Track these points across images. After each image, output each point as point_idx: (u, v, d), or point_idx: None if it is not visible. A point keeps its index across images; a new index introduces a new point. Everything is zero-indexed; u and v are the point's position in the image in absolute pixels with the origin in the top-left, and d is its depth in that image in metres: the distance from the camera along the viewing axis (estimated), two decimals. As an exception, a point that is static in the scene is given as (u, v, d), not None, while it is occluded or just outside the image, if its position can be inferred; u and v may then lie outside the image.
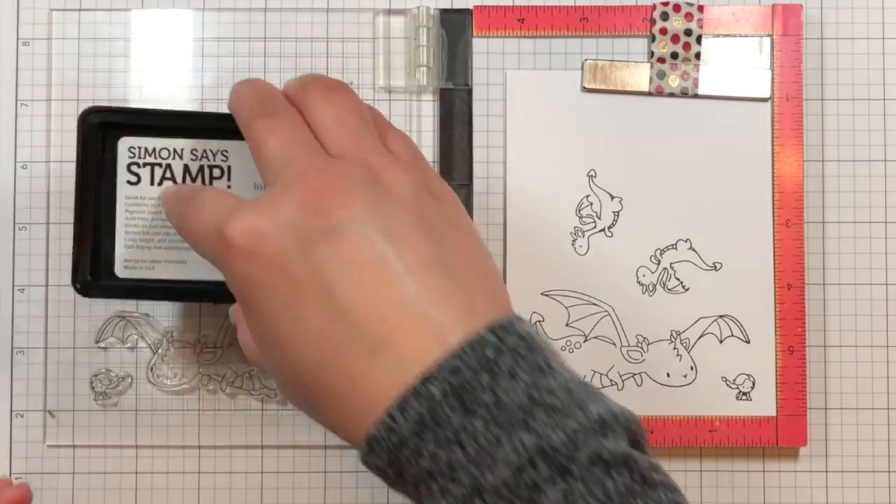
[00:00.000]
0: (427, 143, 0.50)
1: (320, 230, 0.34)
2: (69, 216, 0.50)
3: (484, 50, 0.50)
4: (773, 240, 0.49)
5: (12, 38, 0.50)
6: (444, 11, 0.50)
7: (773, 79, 0.49)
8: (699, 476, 0.50)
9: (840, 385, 0.50)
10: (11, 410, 0.50)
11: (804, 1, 0.50)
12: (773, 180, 0.49)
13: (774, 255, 0.49)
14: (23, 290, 0.50)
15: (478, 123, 0.50)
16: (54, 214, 0.50)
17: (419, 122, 0.50)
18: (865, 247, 0.50)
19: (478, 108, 0.50)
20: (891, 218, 0.50)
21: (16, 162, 0.50)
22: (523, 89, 0.50)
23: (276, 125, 0.37)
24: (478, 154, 0.50)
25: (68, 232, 0.50)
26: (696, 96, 0.50)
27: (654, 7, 0.50)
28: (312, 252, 0.34)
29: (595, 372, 0.49)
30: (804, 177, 0.49)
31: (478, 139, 0.50)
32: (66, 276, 0.50)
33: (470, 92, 0.50)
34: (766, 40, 0.50)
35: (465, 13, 0.50)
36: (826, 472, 0.50)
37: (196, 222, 0.37)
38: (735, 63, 0.50)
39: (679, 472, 0.50)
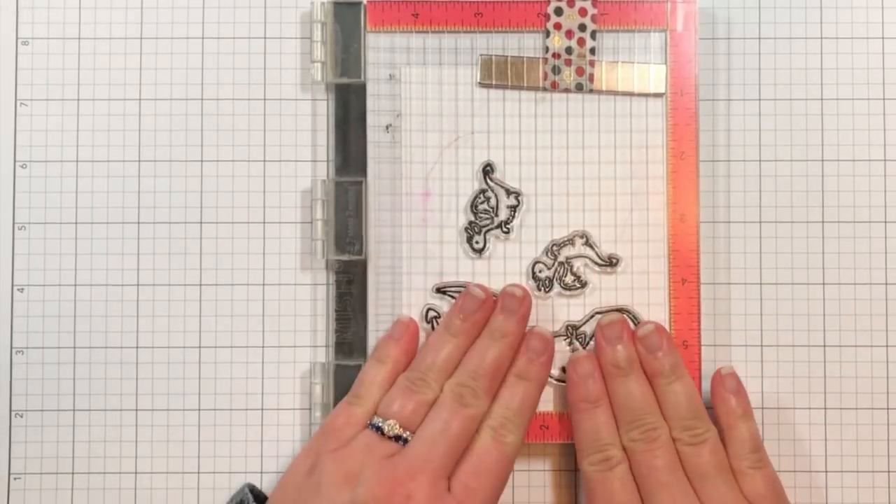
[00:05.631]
0: (321, 143, 0.50)
1: None
2: (68, 216, 0.50)
3: (378, 45, 0.50)
4: (668, 234, 0.49)
5: (12, 38, 0.51)
6: (337, 5, 0.50)
7: (668, 74, 0.49)
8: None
9: (840, 385, 0.50)
10: (11, 410, 0.50)
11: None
12: (667, 176, 0.49)
13: (669, 250, 0.49)
14: (22, 289, 0.50)
15: (372, 119, 0.50)
16: (53, 214, 0.50)
17: (314, 120, 0.50)
18: (865, 247, 0.50)
19: (372, 103, 0.49)
20: (890, 217, 0.50)
21: (15, 161, 0.50)
22: (418, 84, 0.50)
23: None
24: (372, 150, 0.49)
25: (68, 231, 0.50)
26: (591, 91, 0.50)
27: (548, 2, 0.49)
28: None
29: None
30: (698, 173, 0.49)
31: (372, 135, 0.49)
32: (66, 276, 0.50)
33: (364, 87, 0.50)
34: (662, 35, 0.50)
35: (359, 7, 0.50)
36: (826, 472, 0.50)
37: None
38: (630, 58, 0.49)
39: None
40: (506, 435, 0.46)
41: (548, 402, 0.49)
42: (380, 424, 0.45)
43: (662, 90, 0.49)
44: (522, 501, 0.50)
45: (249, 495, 0.47)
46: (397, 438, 0.45)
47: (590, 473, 0.46)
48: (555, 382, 0.49)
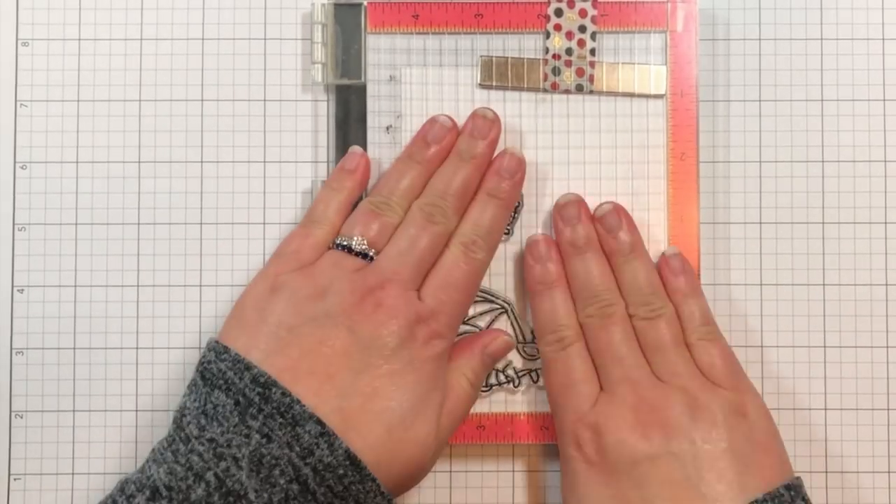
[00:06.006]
0: (321, 144, 0.50)
1: (645, 454, 0.43)
2: (68, 217, 0.50)
3: (378, 46, 0.50)
4: (668, 235, 0.49)
5: (12, 39, 0.51)
6: (337, 6, 0.49)
7: (668, 75, 0.49)
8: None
9: (840, 385, 0.50)
10: (11, 410, 0.50)
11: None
12: (667, 176, 0.49)
13: None
14: (22, 290, 0.50)
15: (372, 120, 0.50)
16: (53, 215, 0.50)
17: (314, 121, 0.50)
18: (865, 247, 0.50)
19: (372, 104, 0.50)
20: (890, 218, 0.50)
21: (15, 162, 0.50)
22: (418, 86, 0.50)
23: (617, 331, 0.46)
24: (372, 151, 0.49)
25: (68, 232, 0.50)
26: (591, 92, 0.50)
27: (548, 3, 0.50)
28: (637, 469, 0.43)
29: (492, 369, 0.49)
30: (698, 173, 0.49)
31: (372, 136, 0.50)
32: (66, 277, 0.50)
33: (364, 88, 0.50)
34: (662, 36, 0.50)
35: (359, 8, 0.50)
36: (826, 472, 0.50)
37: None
38: (631, 59, 0.49)
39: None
40: (476, 252, 0.46)
41: (547, 404, 0.49)
42: (345, 242, 0.46)
43: (663, 91, 0.49)
44: (521, 502, 0.50)
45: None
46: (364, 255, 0.45)
47: (547, 354, 0.47)
48: (555, 383, 0.49)
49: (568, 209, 0.48)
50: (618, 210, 0.48)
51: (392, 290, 0.44)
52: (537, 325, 0.48)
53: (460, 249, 0.46)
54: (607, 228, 0.48)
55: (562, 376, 0.46)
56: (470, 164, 0.47)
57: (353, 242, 0.46)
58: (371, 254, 0.46)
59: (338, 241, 0.46)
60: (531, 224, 0.49)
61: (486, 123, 0.48)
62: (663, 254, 0.48)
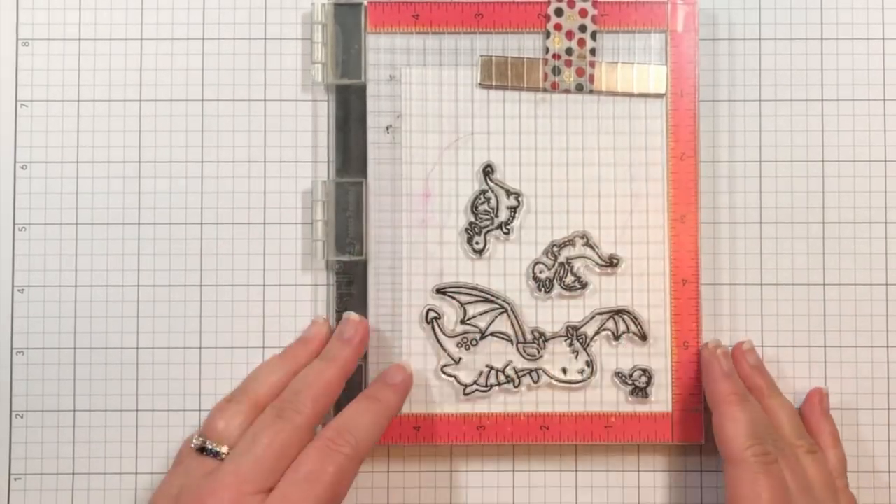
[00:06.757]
0: (321, 144, 0.50)
1: None
2: (69, 217, 0.50)
3: (378, 46, 0.50)
4: (668, 235, 0.49)
5: (12, 39, 0.51)
6: (337, 6, 0.49)
7: (668, 75, 0.49)
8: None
9: (840, 385, 0.50)
10: (11, 410, 0.50)
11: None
12: (667, 176, 0.49)
13: (669, 251, 0.49)
14: (22, 290, 0.50)
15: (372, 120, 0.50)
16: (54, 215, 0.50)
17: (314, 121, 0.50)
18: (865, 247, 0.50)
19: (372, 104, 0.49)
20: (890, 218, 0.50)
21: (15, 162, 0.50)
22: (418, 85, 0.50)
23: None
24: (372, 151, 0.49)
25: (68, 232, 0.50)
26: (591, 92, 0.50)
27: (548, 3, 0.50)
28: None
29: (491, 368, 0.49)
30: (699, 173, 0.49)
31: (372, 136, 0.49)
32: (66, 277, 0.50)
33: (364, 88, 0.50)
34: (662, 36, 0.50)
35: (359, 8, 0.50)
36: (826, 472, 0.50)
37: None
38: (631, 59, 0.49)
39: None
40: (342, 445, 0.43)
41: (547, 403, 0.49)
42: (197, 442, 0.45)
43: (663, 91, 0.49)
44: (521, 502, 0.50)
45: None
46: (215, 455, 0.45)
47: (754, 464, 0.44)
48: (555, 383, 0.49)
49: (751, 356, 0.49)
50: (755, 349, 0.49)
51: (223, 497, 0.42)
52: (738, 430, 0.45)
53: (323, 444, 0.43)
54: (752, 365, 0.48)
55: (779, 491, 0.44)
56: (331, 364, 0.47)
57: (207, 443, 0.45)
58: (220, 451, 0.45)
59: (192, 443, 0.46)
60: (530, 225, 0.49)
61: (352, 325, 0.48)
62: (818, 390, 0.49)
